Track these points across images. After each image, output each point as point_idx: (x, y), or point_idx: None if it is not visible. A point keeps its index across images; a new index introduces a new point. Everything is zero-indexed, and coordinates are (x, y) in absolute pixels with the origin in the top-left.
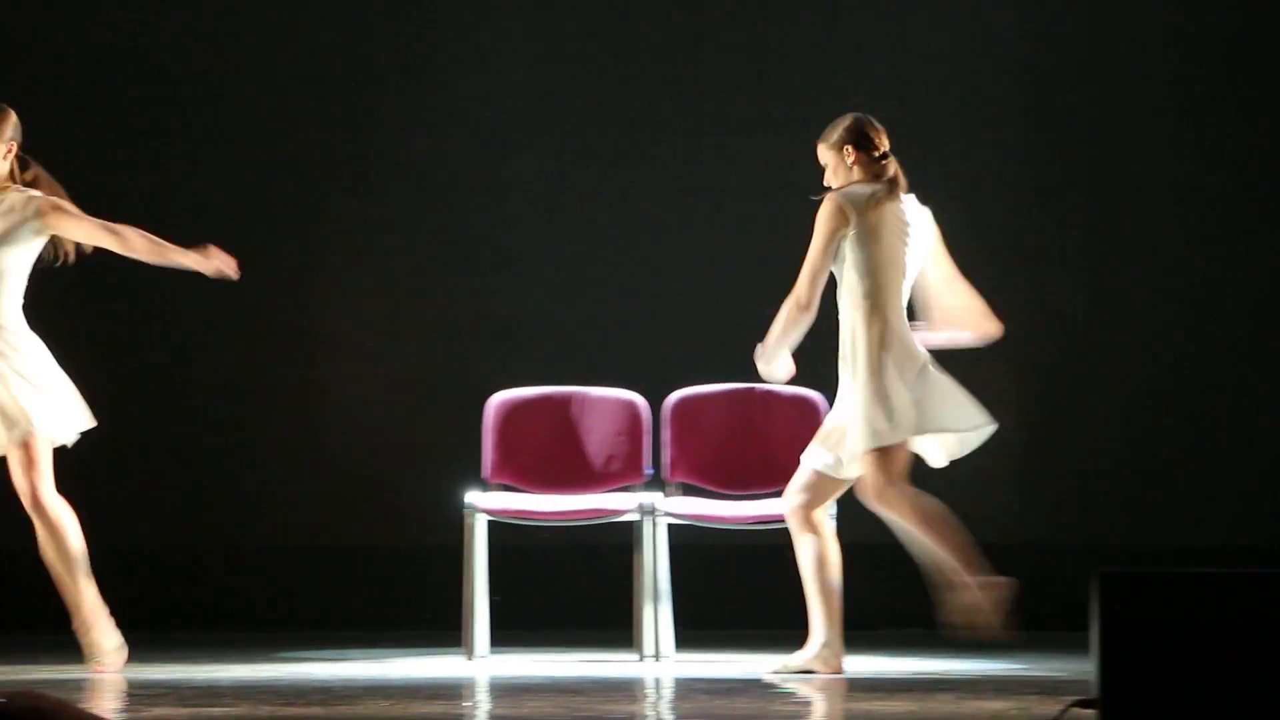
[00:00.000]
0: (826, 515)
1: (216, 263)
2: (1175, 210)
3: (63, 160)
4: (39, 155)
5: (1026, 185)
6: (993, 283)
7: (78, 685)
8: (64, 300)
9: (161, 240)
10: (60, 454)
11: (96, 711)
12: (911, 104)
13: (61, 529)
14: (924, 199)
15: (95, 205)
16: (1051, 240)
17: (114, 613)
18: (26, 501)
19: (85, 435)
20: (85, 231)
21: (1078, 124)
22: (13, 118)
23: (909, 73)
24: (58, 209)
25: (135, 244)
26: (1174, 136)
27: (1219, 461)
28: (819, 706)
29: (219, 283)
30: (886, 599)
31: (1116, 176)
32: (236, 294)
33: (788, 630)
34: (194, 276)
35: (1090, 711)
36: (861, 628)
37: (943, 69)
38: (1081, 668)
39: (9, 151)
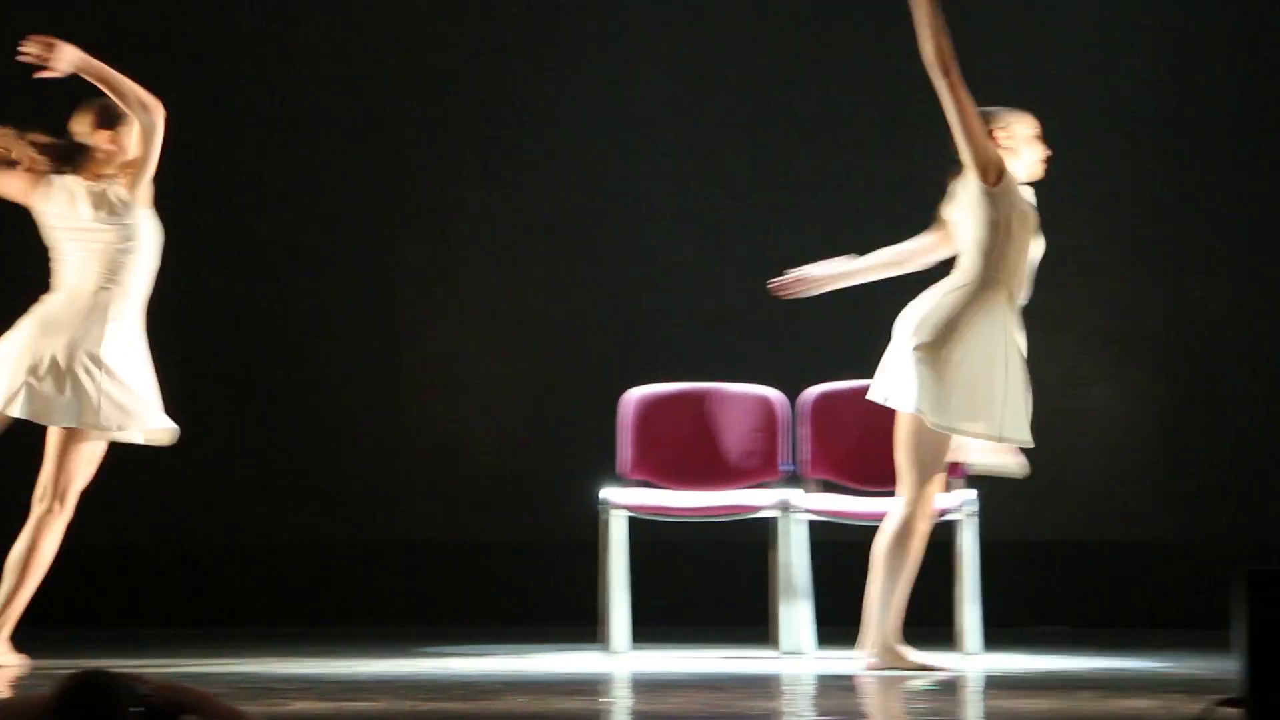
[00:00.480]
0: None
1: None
2: None
3: (200, 146)
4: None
5: (1164, 183)
6: (1130, 280)
7: (221, 679)
8: (206, 295)
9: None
10: (196, 450)
11: (238, 706)
12: (1048, 101)
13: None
14: (1060, 196)
15: (229, 190)
16: (1189, 238)
17: (255, 609)
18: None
19: (224, 430)
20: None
21: (1215, 122)
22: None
23: (1045, 69)
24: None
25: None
26: None
27: None
28: (961, 703)
29: (352, 278)
30: (1030, 597)
31: (1255, 174)
32: (375, 289)
33: (928, 626)
34: (330, 276)
35: (1235, 710)
36: (1005, 625)
37: (1081, 66)
38: (1224, 666)
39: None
